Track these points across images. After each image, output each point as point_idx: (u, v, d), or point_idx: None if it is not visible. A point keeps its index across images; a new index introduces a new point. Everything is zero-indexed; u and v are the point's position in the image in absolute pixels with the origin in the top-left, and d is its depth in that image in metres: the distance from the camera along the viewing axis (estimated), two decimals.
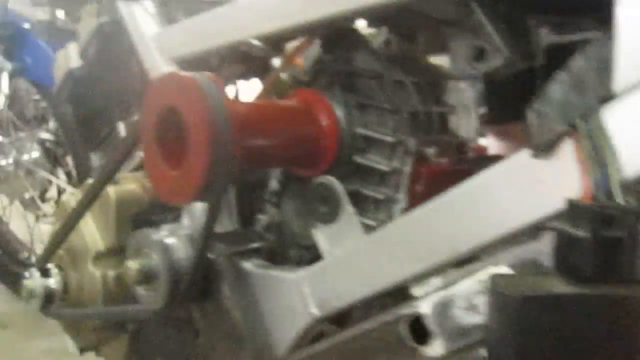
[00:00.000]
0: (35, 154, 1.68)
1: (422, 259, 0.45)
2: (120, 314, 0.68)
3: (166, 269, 0.56)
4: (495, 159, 0.52)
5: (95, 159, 1.08)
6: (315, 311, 0.52)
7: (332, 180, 0.54)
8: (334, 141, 0.59)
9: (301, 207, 0.59)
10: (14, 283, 1.68)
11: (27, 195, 1.74)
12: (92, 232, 0.84)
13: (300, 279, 0.54)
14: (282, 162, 0.59)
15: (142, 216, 0.84)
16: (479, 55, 0.54)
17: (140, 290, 0.59)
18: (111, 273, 0.84)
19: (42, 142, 1.68)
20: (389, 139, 0.59)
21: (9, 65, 1.51)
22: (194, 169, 0.48)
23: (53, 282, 0.87)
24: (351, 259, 0.51)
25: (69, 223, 0.78)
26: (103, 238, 0.83)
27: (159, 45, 0.78)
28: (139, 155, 0.95)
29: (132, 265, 0.58)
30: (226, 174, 0.48)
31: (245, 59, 0.75)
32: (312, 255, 0.63)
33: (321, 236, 0.55)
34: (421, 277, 0.46)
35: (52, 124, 1.63)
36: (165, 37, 0.77)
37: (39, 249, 1.92)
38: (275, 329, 0.55)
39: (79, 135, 1.21)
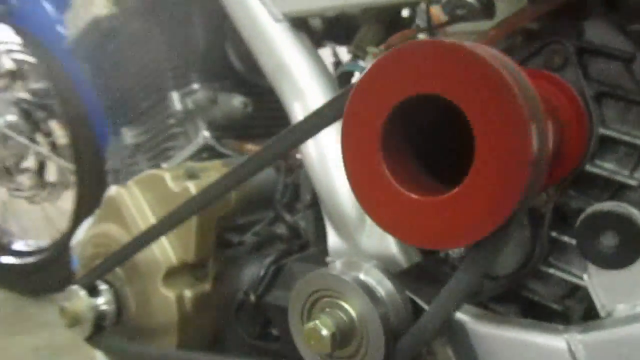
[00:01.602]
0: (11, 117, 1.41)
1: None
2: None
3: (382, 328, 0.37)
4: None
5: (130, 136, 0.86)
6: None
7: (630, 209, 0.38)
8: (580, 145, 0.42)
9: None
10: None
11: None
12: (162, 242, 0.64)
13: (575, 346, 0.38)
14: None
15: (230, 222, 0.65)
16: None
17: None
18: (188, 294, 0.64)
19: (19, 103, 1.41)
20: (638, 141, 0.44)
21: None
22: (487, 193, 0.30)
23: (104, 303, 0.67)
24: None
25: (151, 233, 0.57)
26: (178, 250, 0.63)
27: None
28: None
29: (325, 326, 0.38)
30: (533, 196, 0.30)
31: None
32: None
33: (597, 284, 0.39)
34: None
35: (35, 83, 1.35)
36: None
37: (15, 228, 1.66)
38: None
39: (92, 103, 0.98)
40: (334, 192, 0.50)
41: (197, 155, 0.75)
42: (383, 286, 0.40)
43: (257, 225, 0.67)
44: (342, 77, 0.59)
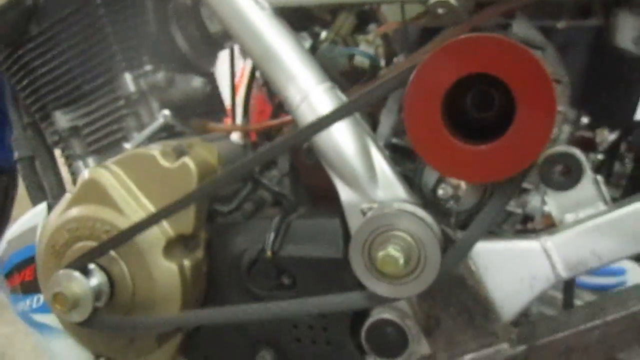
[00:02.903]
0: None
1: None
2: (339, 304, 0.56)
3: (437, 246, 0.49)
4: None
5: (65, 119, 0.82)
6: (564, 274, 0.55)
7: (575, 150, 0.55)
8: None
9: None
10: None
11: None
12: None
13: (547, 246, 0.55)
14: None
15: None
16: None
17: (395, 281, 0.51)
18: (187, 263, 0.68)
19: None
20: None
21: None
22: (526, 142, 0.44)
23: (98, 283, 0.67)
24: (599, 226, 0.54)
25: (161, 213, 0.61)
26: (176, 223, 0.67)
27: None
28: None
29: (396, 254, 0.49)
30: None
31: None
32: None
33: (552, 202, 0.56)
34: None
35: None
36: None
37: None
38: (509, 295, 0.55)
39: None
40: (345, 158, 0.60)
41: (156, 135, 0.78)
42: (425, 215, 0.53)
43: (236, 195, 0.74)
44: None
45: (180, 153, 0.69)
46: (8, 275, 0.84)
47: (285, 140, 0.59)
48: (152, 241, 0.67)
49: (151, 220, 0.64)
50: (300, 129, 0.59)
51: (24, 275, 0.80)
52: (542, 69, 0.44)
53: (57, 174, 0.90)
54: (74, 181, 0.89)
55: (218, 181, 0.62)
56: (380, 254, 0.51)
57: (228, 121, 0.93)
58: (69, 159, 0.85)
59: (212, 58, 0.87)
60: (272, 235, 0.64)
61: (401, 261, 0.49)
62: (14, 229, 0.81)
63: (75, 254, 0.69)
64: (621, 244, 0.54)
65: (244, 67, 1.27)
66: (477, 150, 0.48)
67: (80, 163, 0.83)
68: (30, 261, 0.78)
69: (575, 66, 0.82)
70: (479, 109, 0.59)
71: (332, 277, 0.63)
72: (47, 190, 0.90)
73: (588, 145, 0.75)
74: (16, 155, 0.92)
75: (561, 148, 0.56)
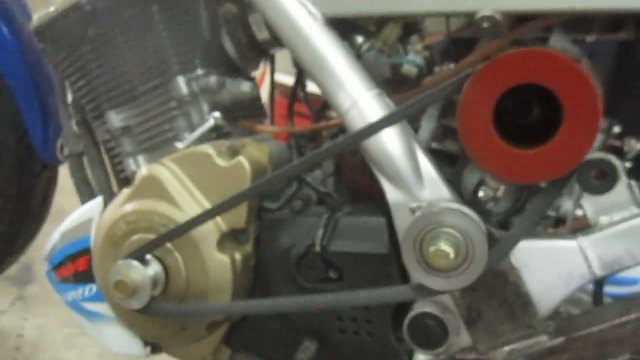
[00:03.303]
0: None
1: None
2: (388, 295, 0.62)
3: (484, 241, 0.54)
4: None
5: (118, 119, 0.86)
6: (599, 271, 0.59)
7: (611, 157, 0.60)
8: None
9: None
10: None
11: None
12: None
13: (583, 246, 0.59)
14: None
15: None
16: None
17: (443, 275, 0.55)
18: (238, 256, 0.73)
19: None
20: None
21: None
22: (572, 147, 0.48)
23: (155, 272, 0.71)
24: (633, 228, 0.58)
25: (216, 209, 0.65)
26: (229, 218, 0.71)
27: None
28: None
29: (447, 249, 0.53)
30: None
31: None
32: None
33: (588, 205, 0.61)
34: None
35: None
36: None
37: None
38: (547, 290, 0.60)
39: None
40: (394, 160, 0.65)
41: (206, 135, 0.82)
42: (472, 213, 0.57)
43: (282, 193, 0.78)
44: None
45: (234, 152, 0.73)
46: (59, 265, 0.88)
47: (338, 144, 0.64)
48: (206, 234, 0.71)
49: (207, 215, 0.68)
50: (353, 133, 0.63)
51: (77, 265, 0.84)
52: (589, 82, 0.49)
53: (105, 170, 0.95)
54: (118, 177, 0.95)
55: (272, 181, 0.67)
56: (432, 248, 0.55)
57: (267, 122, 0.98)
58: (119, 156, 0.90)
59: (257, 63, 0.92)
60: (320, 231, 0.69)
61: (452, 255, 0.54)
62: (68, 222, 0.85)
63: (133, 245, 0.73)
64: None
65: (264, 70, 1.32)
66: (527, 154, 0.53)
67: (130, 160, 0.88)
68: (84, 252, 0.83)
69: (603, 77, 0.86)
70: (519, 114, 0.64)
71: (377, 272, 0.67)
72: (95, 186, 0.95)
73: (616, 153, 0.79)
74: (66, 151, 0.97)
75: (599, 155, 0.60)
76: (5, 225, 1.21)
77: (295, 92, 0.89)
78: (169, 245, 0.72)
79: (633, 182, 0.61)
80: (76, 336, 1.37)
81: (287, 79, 1.41)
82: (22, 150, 1.17)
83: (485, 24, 0.64)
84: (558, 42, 0.69)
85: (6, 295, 1.53)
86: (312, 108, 0.92)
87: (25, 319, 1.45)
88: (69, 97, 0.95)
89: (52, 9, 0.86)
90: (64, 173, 1.23)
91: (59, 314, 1.43)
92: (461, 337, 0.65)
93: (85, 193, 0.95)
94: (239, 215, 0.72)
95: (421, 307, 0.66)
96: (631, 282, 1.13)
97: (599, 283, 0.74)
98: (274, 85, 0.98)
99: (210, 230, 0.71)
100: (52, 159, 1.16)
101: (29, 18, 1.16)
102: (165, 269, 0.72)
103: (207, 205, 0.72)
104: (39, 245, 1.32)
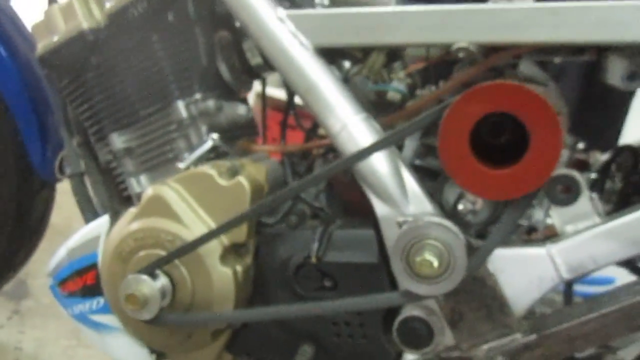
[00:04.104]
0: None
1: None
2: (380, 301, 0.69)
3: (464, 251, 0.61)
4: None
5: (120, 141, 0.91)
6: (566, 275, 0.66)
7: (574, 172, 0.67)
8: None
9: None
10: None
11: None
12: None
13: (552, 253, 0.66)
14: None
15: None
16: None
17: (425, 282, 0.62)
18: (239, 269, 0.79)
19: None
20: None
21: None
22: (539, 167, 0.55)
23: (163, 285, 0.77)
24: (595, 235, 0.66)
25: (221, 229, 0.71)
26: (231, 233, 0.77)
27: (296, 27, 0.75)
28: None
29: (431, 258, 0.60)
30: None
31: None
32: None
33: (555, 216, 0.68)
34: None
35: None
36: (308, 21, 0.75)
37: None
38: (521, 293, 0.67)
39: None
40: (382, 179, 0.71)
41: (204, 156, 0.88)
42: (452, 226, 0.64)
43: (279, 208, 0.84)
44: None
45: (234, 173, 0.79)
46: (66, 280, 0.93)
47: (333, 167, 0.71)
48: (210, 250, 0.77)
49: (213, 234, 0.74)
50: (346, 158, 0.70)
51: (85, 279, 0.89)
52: (551, 109, 0.56)
53: (106, 189, 1.00)
54: (120, 196, 1.00)
55: (273, 201, 0.73)
56: (418, 259, 0.62)
57: (260, 142, 1.04)
58: (122, 176, 0.95)
59: (250, 85, 0.98)
60: (316, 244, 0.75)
61: (435, 264, 0.60)
62: (75, 239, 0.90)
63: (141, 260, 0.79)
64: (613, 250, 0.65)
65: None
66: (499, 174, 0.60)
67: (133, 180, 0.93)
68: (92, 267, 0.88)
69: (569, 96, 0.94)
70: (492, 136, 0.71)
71: (368, 280, 0.74)
72: (97, 204, 1.00)
73: (583, 166, 0.87)
74: (68, 171, 1.02)
75: (563, 170, 0.68)
76: (5, 242, 1.25)
77: (288, 113, 0.95)
78: (176, 260, 0.77)
79: (594, 195, 0.69)
80: (74, 348, 1.41)
81: (276, 92, 1.48)
82: (21, 169, 1.21)
83: (461, 54, 0.71)
84: (527, 67, 0.77)
85: (2, 310, 1.56)
86: (303, 128, 0.98)
87: (22, 332, 1.48)
88: (70, 120, 1.00)
89: (55, 38, 0.91)
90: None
91: (56, 327, 1.47)
92: (445, 337, 0.72)
93: (89, 211, 0.99)
94: (240, 231, 0.78)
95: (409, 311, 0.73)
96: (607, 281, 1.22)
97: (569, 285, 0.81)
98: (266, 106, 1.04)
99: (214, 246, 0.77)
100: (51, 177, 1.21)
101: (25, 38, 1.21)
102: (172, 281, 0.78)
103: (210, 222, 0.78)
104: (34, 260, 1.37)
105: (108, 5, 0.88)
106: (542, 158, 0.58)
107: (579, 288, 1.06)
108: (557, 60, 0.78)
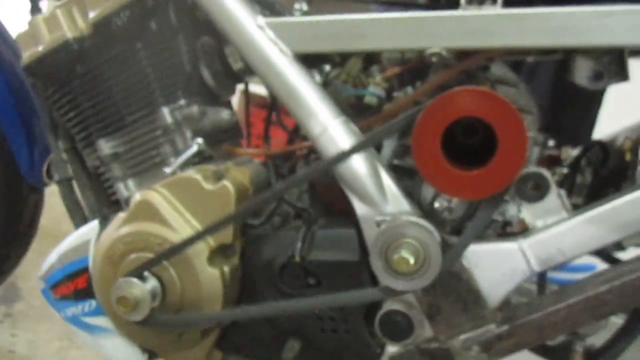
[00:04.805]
0: None
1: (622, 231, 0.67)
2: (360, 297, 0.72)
3: (438, 249, 0.64)
4: None
5: (107, 146, 0.93)
6: (537, 268, 0.70)
7: (543, 170, 0.71)
8: None
9: None
10: None
11: None
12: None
13: (523, 247, 0.70)
14: None
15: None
16: None
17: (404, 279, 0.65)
18: (226, 269, 0.82)
19: None
20: None
21: None
22: (506, 169, 0.59)
23: (153, 287, 0.79)
24: (563, 230, 0.69)
25: (207, 230, 0.74)
26: (218, 234, 0.80)
27: (275, 35, 0.78)
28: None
29: (407, 256, 0.64)
30: None
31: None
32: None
33: (526, 211, 0.72)
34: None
35: None
36: (287, 28, 0.78)
37: None
38: (494, 285, 0.71)
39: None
40: (361, 180, 0.74)
41: (190, 160, 0.90)
42: (427, 225, 0.67)
43: (263, 210, 0.87)
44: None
45: (219, 177, 0.82)
46: (58, 284, 0.95)
47: (315, 169, 0.73)
48: (198, 251, 0.79)
49: (199, 236, 0.77)
50: (327, 160, 0.73)
51: (77, 283, 0.92)
52: (517, 114, 0.59)
53: (94, 194, 1.02)
54: (108, 200, 1.02)
55: (258, 203, 0.76)
56: (395, 256, 0.65)
57: (244, 145, 1.06)
58: (109, 181, 0.97)
59: (233, 89, 1.00)
60: (299, 244, 0.78)
61: (412, 261, 0.64)
62: (66, 243, 0.92)
63: (131, 263, 0.81)
64: (580, 243, 0.69)
65: None
66: (470, 175, 0.63)
67: (120, 184, 0.95)
68: (83, 271, 0.90)
69: (542, 94, 0.98)
70: (466, 136, 0.74)
71: (350, 276, 0.77)
72: (85, 208, 1.02)
73: (555, 162, 0.90)
74: (56, 177, 1.04)
75: (532, 169, 0.71)
76: None
77: (270, 117, 0.98)
78: (164, 262, 0.80)
79: (562, 191, 0.73)
80: (66, 349, 1.44)
81: (260, 89, 1.50)
82: (9, 175, 1.23)
83: (434, 59, 0.74)
84: (498, 70, 0.81)
85: None
86: (287, 130, 1.01)
87: (14, 335, 1.50)
88: (57, 126, 1.02)
89: (40, 47, 0.93)
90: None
91: (48, 329, 1.49)
92: (425, 330, 0.75)
93: (78, 216, 1.02)
94: (227, 233, 0.80)
95: (389, 305, 0.76)
96: (588, 268, 1.26)
97: (541, 276, 0.85)
98: (249, 108, 1.07)
99: (201, 247, 0.79)
100: (39, 182, 1.22)
101: (9, 46, 1.22)
102: (162, 283, 0.81)
103: (197, 225, 0.81)
104: (24, 262, 1.38)
105: (91, 15, 0.90)
106: (508, 160, 0.61)
107: (562, 276, 1.11)
108: (530, 59, 0.82)
